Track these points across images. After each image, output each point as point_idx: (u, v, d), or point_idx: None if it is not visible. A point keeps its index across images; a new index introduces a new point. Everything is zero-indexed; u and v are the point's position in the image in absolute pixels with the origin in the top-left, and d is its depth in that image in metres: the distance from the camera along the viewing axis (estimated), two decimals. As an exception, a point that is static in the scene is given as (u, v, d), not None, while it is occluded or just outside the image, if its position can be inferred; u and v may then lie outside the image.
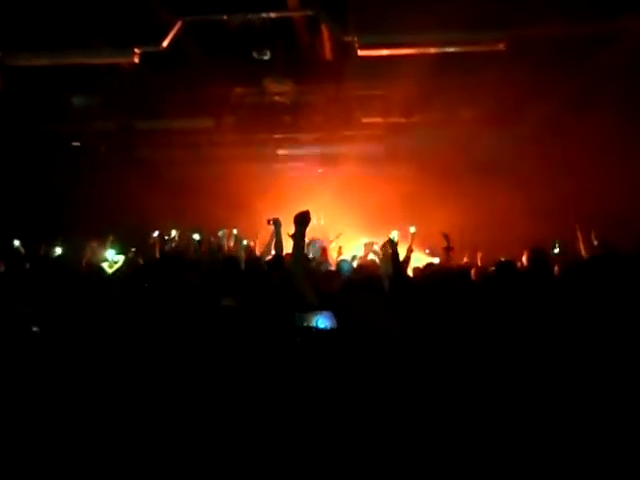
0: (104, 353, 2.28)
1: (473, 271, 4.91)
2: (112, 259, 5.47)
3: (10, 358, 2.10)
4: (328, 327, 1.78)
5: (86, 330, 2.43)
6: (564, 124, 7.25)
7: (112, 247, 5.74)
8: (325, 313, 1.81)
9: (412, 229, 6.91)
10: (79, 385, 2.14)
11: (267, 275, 3.19)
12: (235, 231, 6.82)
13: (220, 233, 6.84)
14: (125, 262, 5.26)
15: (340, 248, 7.36)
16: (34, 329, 2.18)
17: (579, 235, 5.27)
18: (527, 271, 4.27)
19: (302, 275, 2.51)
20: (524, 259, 4.51)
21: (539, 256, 4.20)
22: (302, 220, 2.97)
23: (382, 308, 1.81)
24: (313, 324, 1.80)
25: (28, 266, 5.15)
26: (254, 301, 2.35)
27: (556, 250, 5.89)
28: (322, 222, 9.08)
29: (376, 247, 6.96)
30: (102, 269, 4.87)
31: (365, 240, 7.29)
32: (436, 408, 1.51)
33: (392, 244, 4.04)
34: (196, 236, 6.60)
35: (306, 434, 1.54)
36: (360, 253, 7.09)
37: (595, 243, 5.05)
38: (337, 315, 1.79)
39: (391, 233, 5.92)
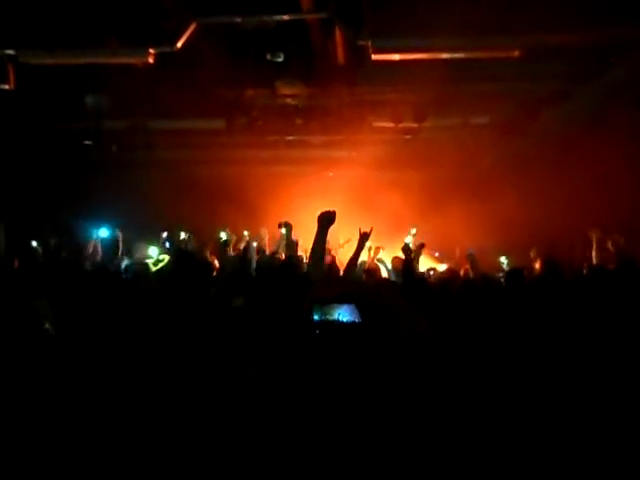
0: (117, 350, 2.26)
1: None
2: (157, 257, 5.34)
3: (20, 356, 2.09)
4: (350, 321, 1.71)
5: (110, 324, 2.41)
6: (579, 131, 7.19)
7: (156, 245, 5.59)
8: (347, 306, 1.73)
9: (412, 231, 6.91)
10: (89, 383, 2.13)
11: (280, 274, 3.16)
12: (246, 233, 6.82)
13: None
14: (169, 262, 5.11)
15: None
16: (46, 326, 2.16)
17: (593, 241, 5.20)
18: (539, 279, 4.24)
19: (320, 275, 2.48)
20: (536, 266, 4.47)
21: (552, 264, 4.16)
22: (327, 220, 2.94)
23: (411, 310, 1.74)
24: (334, 317, 1.73)
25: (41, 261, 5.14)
26: (266, 299, 2.31)
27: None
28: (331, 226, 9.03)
29: (382, 252, 6.94)
30: (147, 266, 4.78)
31: (369, 244, 7.25)
32: (462, 412, 1.48)
33: (407, 250, 4.01)
34: (223, 235, 6.54)
35: (325, 431, 1.50)
36: (365, 257, 7.05)
37: (611, 249, 4.97)
38: (361, 309, 1.71)
39: (406, 238, 5.89)
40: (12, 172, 8.38)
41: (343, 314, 1.73)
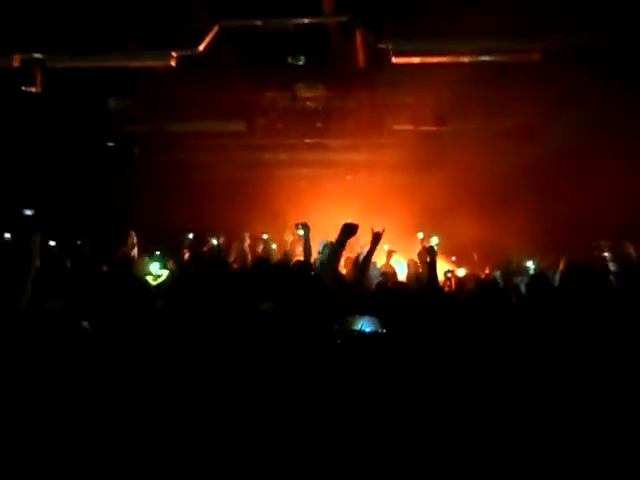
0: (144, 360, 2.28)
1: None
2: (156, 272, 5.28)
3: (61, 353, 2.12)
4: (373, 331, 1.72)
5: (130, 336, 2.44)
6: (601, 136, 7.07)
7: (156, 260, 5.54)
8: (369, 317, 1.75)
9: (435, 239, 6.86)
10: (122, 385, 2.15)
11: (300, 279, 3.17)
12: (265, 236, 6.84)
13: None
14: (169, 276, 4.99)
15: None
16: (84, 324, 2.19)
17: (628, 248, 5.04)
18: (561, 284, 4.18)
19: (333, 280, 2.50)
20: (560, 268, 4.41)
21: (575, 269, 4.10)
22: (349, 231, 3.02)
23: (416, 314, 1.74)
24: (356, 327, 1.73)
25: (69, 265, 5.17)
26: (294, 305, 2.32)
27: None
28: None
29: (395, 256, 6.89)
30: (147, 282, 4.74)
31: (386, 247, 7.21)
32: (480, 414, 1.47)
33: (432, 252, 3.97)
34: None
35: (346, 438, 1.51)
36: (382, 260, 7.01)
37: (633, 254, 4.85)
38: (382, 320, 1.73)
39: (432, 240, 5.82)
40: (37, 173, 8.54)
41: (365, 325, 1.74)
